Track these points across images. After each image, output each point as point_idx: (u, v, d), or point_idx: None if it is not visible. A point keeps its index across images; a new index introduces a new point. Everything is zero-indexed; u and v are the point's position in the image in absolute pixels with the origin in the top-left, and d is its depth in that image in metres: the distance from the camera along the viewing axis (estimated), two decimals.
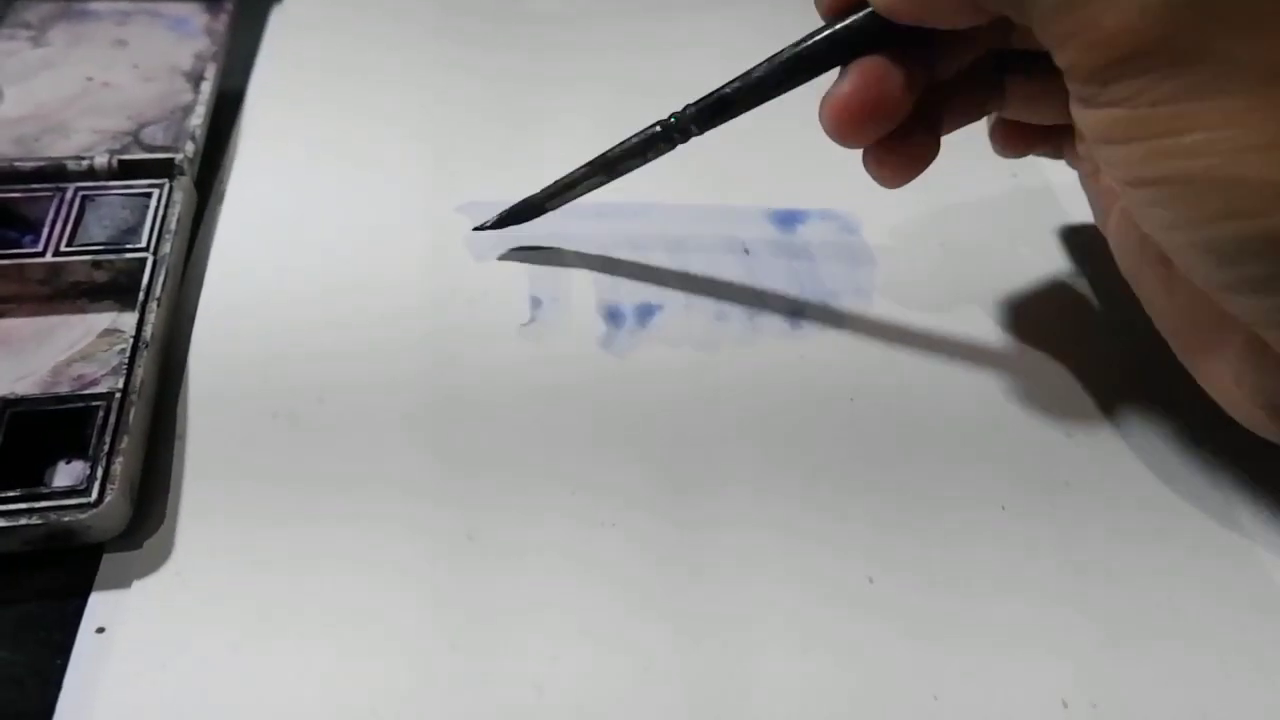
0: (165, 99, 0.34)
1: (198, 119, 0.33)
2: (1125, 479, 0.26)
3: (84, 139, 0.32)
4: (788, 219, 0.33)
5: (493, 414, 0.26)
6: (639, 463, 0.26)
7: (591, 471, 0.25)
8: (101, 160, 0.31)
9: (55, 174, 0.30)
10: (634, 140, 0.27)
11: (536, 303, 0.29)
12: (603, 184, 0.29)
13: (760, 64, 0.25)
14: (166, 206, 0.30)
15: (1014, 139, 0.28)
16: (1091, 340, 0.30)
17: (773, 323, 0.29)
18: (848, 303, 0.30)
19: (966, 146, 0.37)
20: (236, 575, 0.23)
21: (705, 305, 0.30)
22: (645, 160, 0.28)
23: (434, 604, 0.22)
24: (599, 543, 0.24)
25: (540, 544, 0.24)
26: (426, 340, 0.28)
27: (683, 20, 0.41)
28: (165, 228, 0.29)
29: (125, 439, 0.23)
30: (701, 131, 0.27)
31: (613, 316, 0.29)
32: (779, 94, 0.25)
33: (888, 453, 0.26)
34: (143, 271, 0.28)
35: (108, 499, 0.22)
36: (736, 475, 0.25)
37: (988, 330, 0.30)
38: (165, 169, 0.31)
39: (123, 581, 0.22)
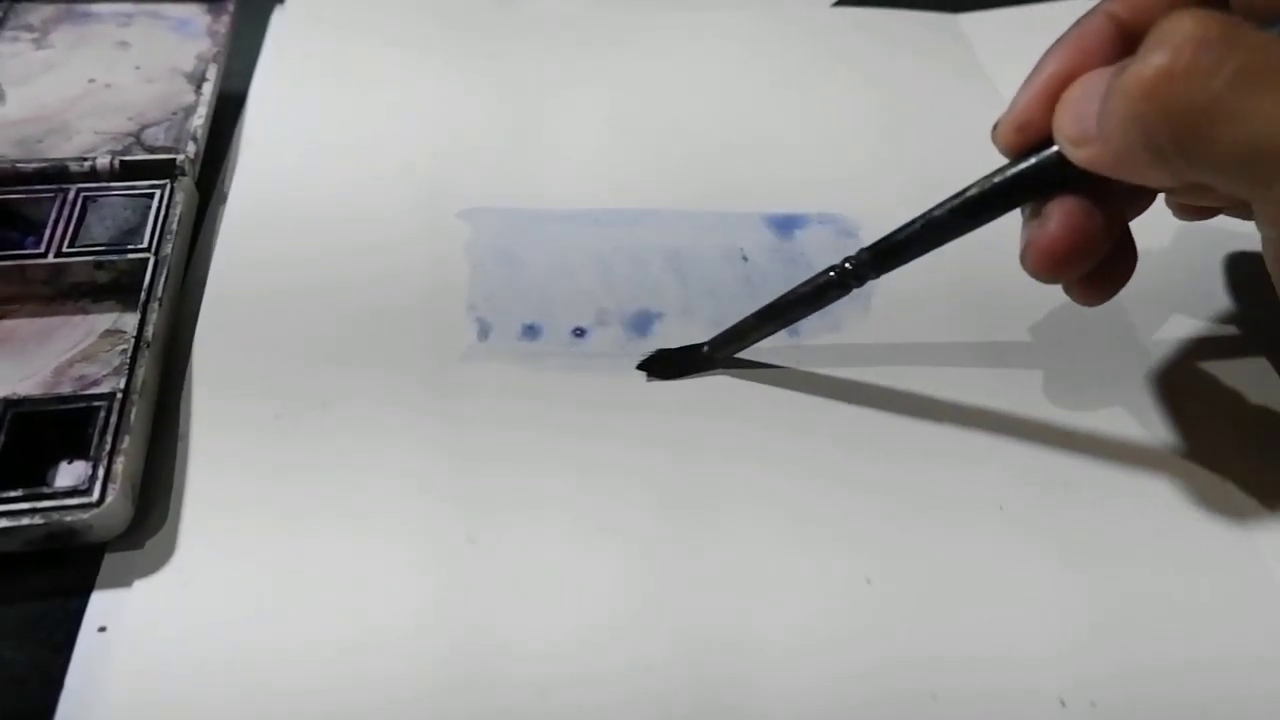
0: (167, 100, 0.34)
1: (199, 120, 0.33)
2: (1124, 479, 0.26)
3: (86, 140, 0.32)
4: (786, 224, 0.33)
5: (494, 419, 0.26)
6: (639, 469, 0.26)
7: (593, 477, 0.25)
8: (103, 161, 0.31)
9: (57, 175, 0.30)
10: (806, 288, 0.26)
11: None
12: (773, 333, 0.27)
13: (940, 204, 0.24)
14: (168, 207, 0.30)
15: (1191, 212, 0.28)
16: (1090, 341, 0.30)
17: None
18: (847, 307, 0.30)
19: (966, 146, 0.37)
20: (238, 575, 0.23)
21: (704, 313, 0.30)
22: (818, 308, 0.26)
23: (435, 605, 0.23)
24: (599, 549, 0.24)
25: (540, 550, 0.24)
26: (428, 342, 0.28)
27: (684, 21, 0.42)
28: (167, 228, 0.29)
29: (127, 439, 0.24)
30: (877, 276, 0.25)
31: (606, 324, 0.29)
32: (959, 235, 0.24)
33: (886, 455, 0.26)
34: (144, 272, 0.28)
35: (109, 499, 0.22)
36: (736, 480, 0.26)
37: (986, 331, 0.30)
38: (167, 170, 0.31)
39: (124, 581, 0.23)
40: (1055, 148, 0.22)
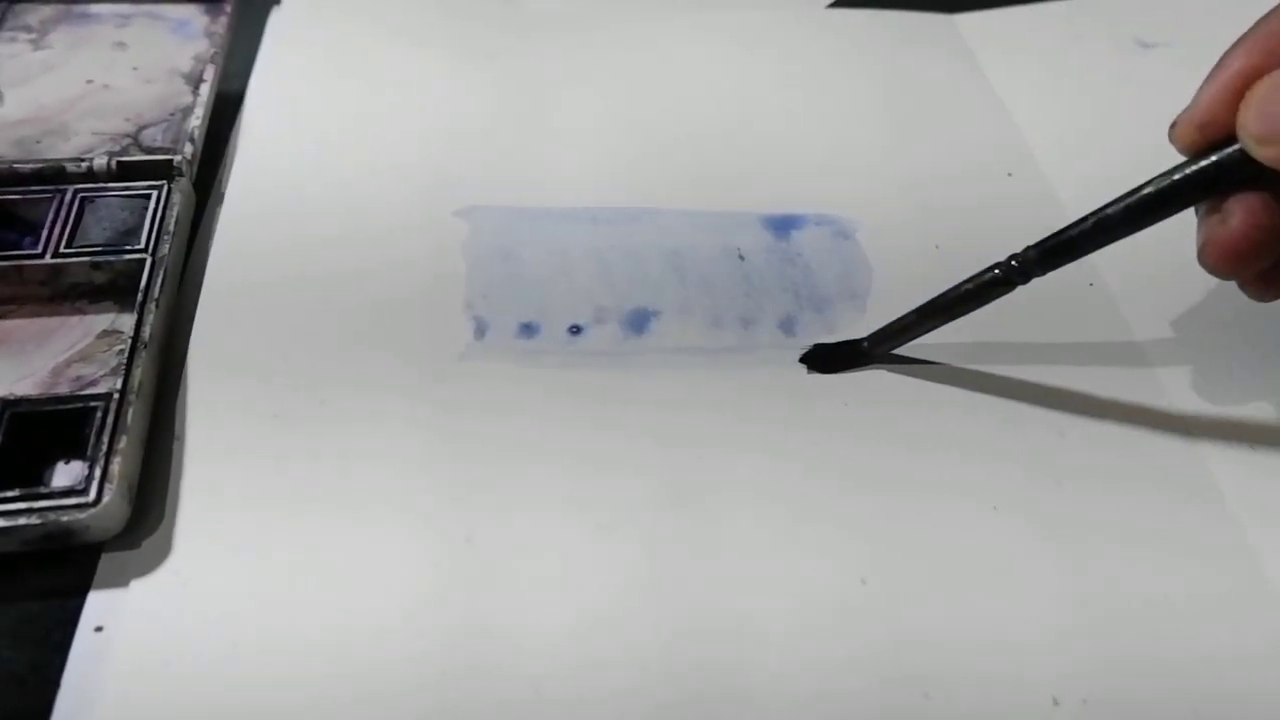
0: (165, 101, 0.34)
1: (197, 121, 0.33)
2: (1117, 479, 0.26)
3: (84, 141, 0.32)
4: (783, 224, 0.33)
5: (491, 417, 0.26)
6: (636, 467, 0.26)
7: (590, 475, 0.25)
8: (100, 162, 0.31)
9: (54, 176, 0.30)
10: (969, 285, 0.26)
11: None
12: (934, 329, 0.27)
13: (1113, 202, 0.24)
14: (165, 208, 0.30)
15: None
16: (1085, 340, 0.30)
17: (767, 329, 0.29)
18: (843, 307, 0.30)
19: (963, 146, 0.37)
20: (234, 575, 0.23)
21: (701, 311, 0.30)
22: (981, 304, 0.26)
23: (432, 605, 0.23)
24: (596, 547, 0.24)
25: (538, 550, 0.24)
26: (426, 341, 0.28)
27: (684, 21, 0.42)
28: (164, 229, 0.29)
29: (124, 439, 0.24)
30: (1044, 273, 0.25)
31: (603, 322, 0.29)
32: (1130, 233, 0.24)
33: (881, 455, 0.26)
34: (141, 273, 0.28)
35: (106, 499, 0.22)
36: (732, 478, 0.26)
37: (982, 331, 0.30)
38: (164, 171, 0.31)
39: (121, 581, 0.23)
40: (1238, 145, 0.22)
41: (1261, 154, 0.22)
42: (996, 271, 0.26)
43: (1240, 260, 0.23)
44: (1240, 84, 0.22)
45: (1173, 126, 0.24)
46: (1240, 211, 0.23)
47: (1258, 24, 0.24)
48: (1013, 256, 0.25)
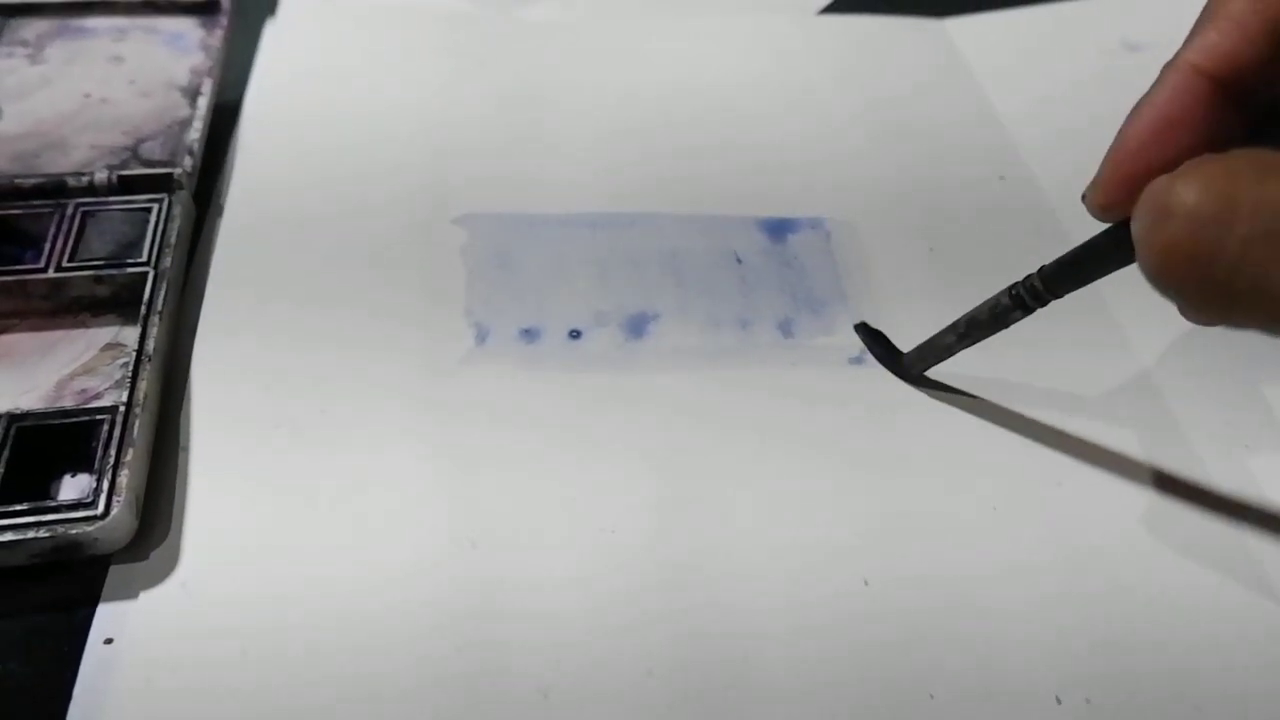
0: (162, 114, 0.34)
1: (195, 133, 0.33)
2: (1117, 479, 0.27)
3: (83, 155, 0.32)
4: (778, 228, 0.33)
5: (495, 421, 0.27)
6: (637, 468, 0.26)
7: (592, 478, 0.26)
8: (101, 176, 0.31)
9: (56, 190, 0.31)
10: (984, 311, 0.25)
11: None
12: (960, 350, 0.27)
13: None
14: (166, 221, 0.30)
15: None
16: (1081, 340, 0.30)
17: (765, 330, 0.30)
18: (839, 308, 0.31)
19: (953, 149, 0.38)
20: (242, 585, 0.23)
21: (699, 314, 0.30)
22: (1001, 328, 0.25)
23: (439, 612, 0.23)
24: (599, 551, 0.24)
25: (542, 554, 0.24)
26: (427, 347, 0.28)
27: (680, 28, 0.42)
28: (165, 242, 0.29)
29: (130, 452, 0.24)
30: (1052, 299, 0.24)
31: (603, 325, 0.30)
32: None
33: (880, 456, 0.27)
34: (144, 285, 0.28)
35: (113, 511, 0.23)
36: (731, 482, 0.26)
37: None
38: (164, 184, 0.31)
39: (129, 593, 0.23)
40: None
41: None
42: (1010, 295, 0.24)
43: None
44: (1139, 162, 0.21)
45: (1082, 198, 0.22)
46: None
47: (1156, 85, 0.21)
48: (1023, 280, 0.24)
